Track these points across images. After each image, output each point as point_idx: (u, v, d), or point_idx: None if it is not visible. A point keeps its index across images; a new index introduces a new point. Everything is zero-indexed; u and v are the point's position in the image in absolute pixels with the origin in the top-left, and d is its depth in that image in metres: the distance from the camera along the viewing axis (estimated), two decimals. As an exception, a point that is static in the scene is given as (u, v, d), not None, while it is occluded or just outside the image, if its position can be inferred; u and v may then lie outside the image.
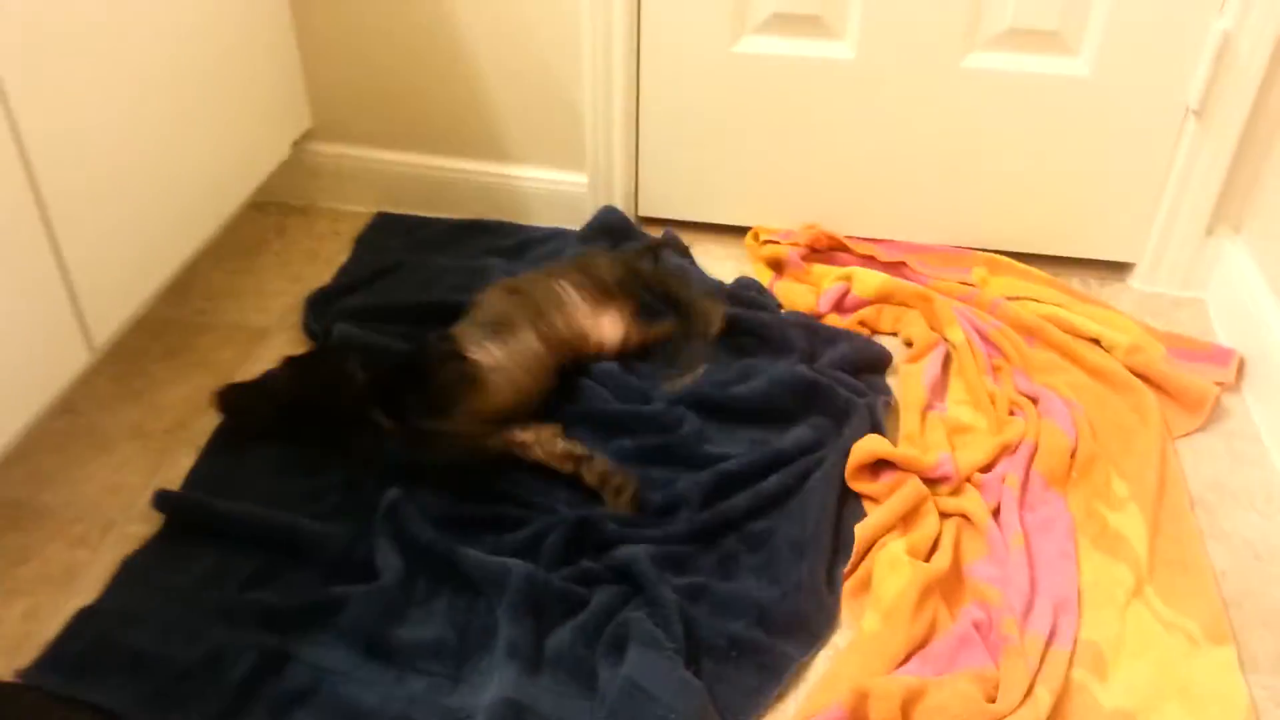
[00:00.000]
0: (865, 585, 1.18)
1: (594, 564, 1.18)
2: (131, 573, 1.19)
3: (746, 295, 1.59)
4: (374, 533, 1.21)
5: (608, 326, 1.45)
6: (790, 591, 1.16)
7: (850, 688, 1.02)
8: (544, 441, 1.29)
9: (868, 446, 1.30)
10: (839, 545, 1.23)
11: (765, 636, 1.13)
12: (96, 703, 1.04)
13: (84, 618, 1.13)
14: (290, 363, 1.35)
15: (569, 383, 1.41)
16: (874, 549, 1.21)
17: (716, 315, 1.49)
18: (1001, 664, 1.07)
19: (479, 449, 1.29)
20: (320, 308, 1.57)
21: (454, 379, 1.29)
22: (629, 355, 1.46)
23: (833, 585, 1.19)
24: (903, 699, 1.01)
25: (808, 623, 1.15)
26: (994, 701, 1.03)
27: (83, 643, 1.11)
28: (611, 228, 1.72)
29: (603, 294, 1.45)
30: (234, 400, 1.34)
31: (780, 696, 1.08)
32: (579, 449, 1.28)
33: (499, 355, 1.32)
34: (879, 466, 1.32)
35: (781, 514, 1.25)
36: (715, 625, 1.13)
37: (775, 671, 1.10)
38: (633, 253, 1.61)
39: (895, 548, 1.18)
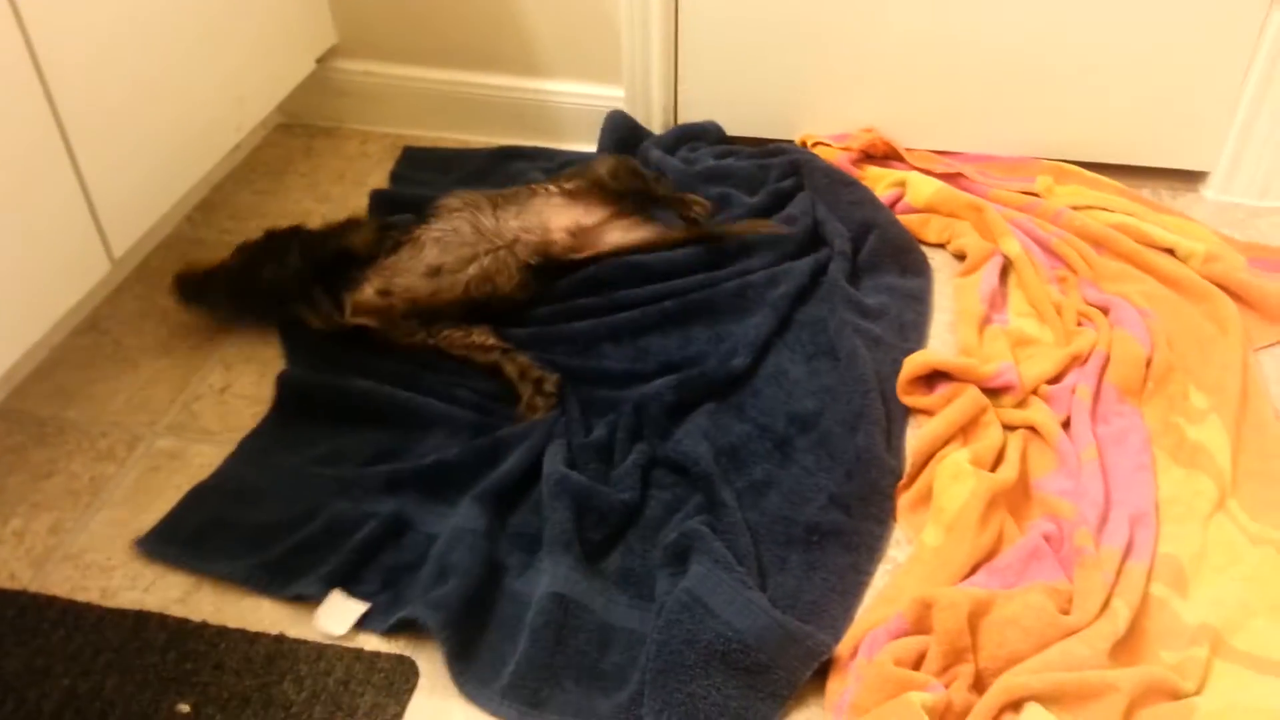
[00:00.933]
0: (924, 499, 1.11)
1: (650, 454, 1.15)
2: (247, 453, 1.18)
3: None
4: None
5: (576, 219, 1.40)
6: (853, 467, 1.13)
7: (913, 598, 0.96)
8: (470, 334, 1.28)
9: (920, 358, 1.23)
10: (891, 413, 1.21)
11: (843, 516, 1.09)
12: (213, 573, 1.05)
13: (199, 494, 1.13)
14: (240, 249, 1.34)
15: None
16: (933, 461, 1.14)
17: (700, 203, 1.43)
18: (1075, 577, 1.00)
19: (403, 340, 1.29)
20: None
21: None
22: (620, 255, 1.41)
23: (892, 450, 1.17)
24: (969, 610, 0.94)
25: (878, 490, 1.12)
26: (1068, 614, 0.96)
27: (200, 516, 1.10)
28: (622, 136, 1.64)
29: (584, 191, 1.41)
30: (190, 284, 1.33)
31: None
32: (502, 342, 1.27)
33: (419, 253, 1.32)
34: (933, 379, 1.24)
35: (826, 394, 1.22)
36: (791, 516, 1.09)
37: (865, 549, 1.07)
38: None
39: (958, 458, 1.10)
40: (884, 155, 1.60)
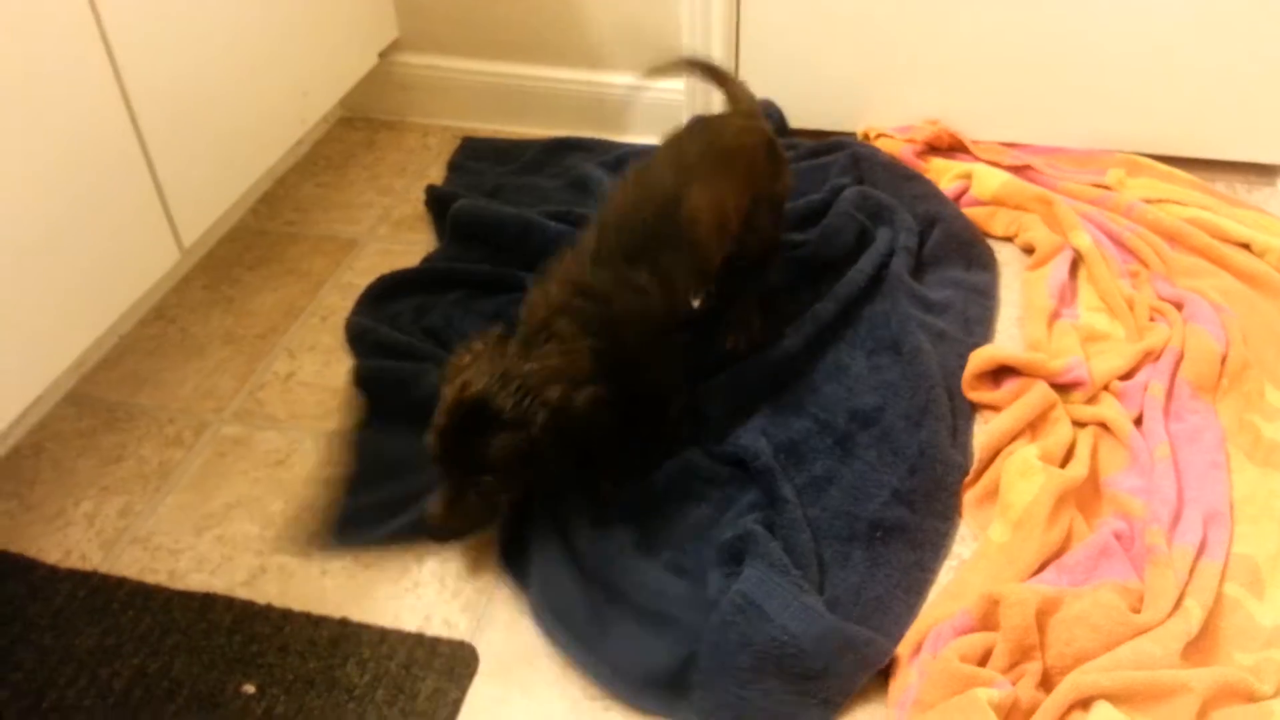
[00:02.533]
0: (991, 495, 1.09)
1: (706, 457, 1.13)
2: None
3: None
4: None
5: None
6: (916, 462, 1.11)
7: (980, 594, 0.94)
8: None
9: (987, 353, 1.21)
10: (957, 409, 1.19)
11: (907, 512, 1.07)
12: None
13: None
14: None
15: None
16: (1000, 457, 1.12)
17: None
18: (1147, 575, 0.97)
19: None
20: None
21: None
22: None
23: (958, 446, 1.15)
24: (1038, 607, 0.92)
25: (943, 486, 1.10)
26: (1138, 613, 0.94)
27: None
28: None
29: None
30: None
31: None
32: None
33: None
34: (1000, 375, 1.22)
35: (888, 390, 1.20)
36: (854, 511, 1.07)
37: (929, 546, 1.05)
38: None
39: (1026, 454, 1.08)
40: (949, 147, 1.58)
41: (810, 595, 0.97)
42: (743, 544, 1.03)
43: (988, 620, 0.93)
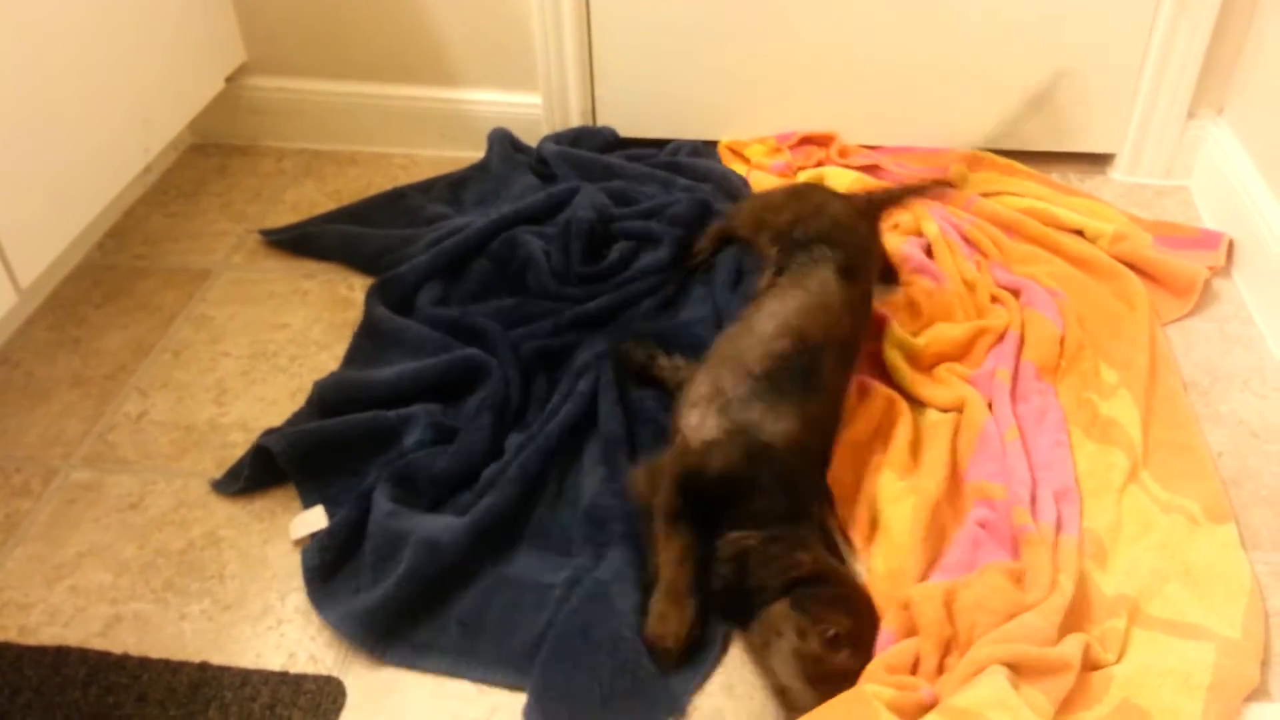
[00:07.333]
0: (875, 525, 1.08)
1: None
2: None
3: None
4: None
5: None
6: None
7: (895, 604, 0.97)
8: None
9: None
10: None
11: None
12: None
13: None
14: None
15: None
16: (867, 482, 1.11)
17: None
18: (1024, 554, 1.01)
19: None
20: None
21: None
22: None
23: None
24: (943, 599, 0.95)
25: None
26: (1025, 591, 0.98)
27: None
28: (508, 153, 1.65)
29: None
30: None
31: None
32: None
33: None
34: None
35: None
36: None
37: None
38: None
39: (887, 479, 1.10)
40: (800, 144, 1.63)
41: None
42: (605, 514, 1.07)
43: (906, 627, 0.95)
